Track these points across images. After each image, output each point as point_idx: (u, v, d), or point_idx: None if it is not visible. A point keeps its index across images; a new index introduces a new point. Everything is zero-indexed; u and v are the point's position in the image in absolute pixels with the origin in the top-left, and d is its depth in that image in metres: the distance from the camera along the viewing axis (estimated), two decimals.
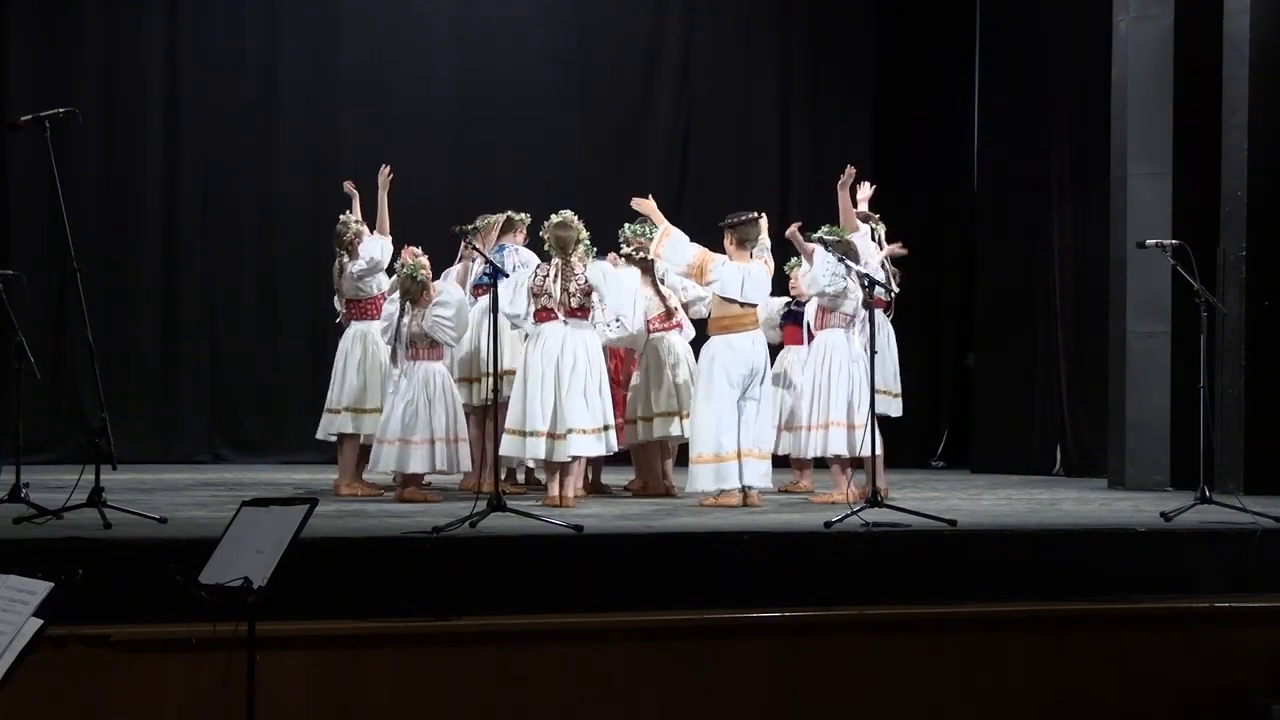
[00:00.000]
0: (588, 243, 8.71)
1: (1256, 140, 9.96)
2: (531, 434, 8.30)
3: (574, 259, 8.47)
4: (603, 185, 13.09)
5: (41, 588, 3.96)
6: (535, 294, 8.44)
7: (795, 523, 7.59)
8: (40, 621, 3.88)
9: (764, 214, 9.07)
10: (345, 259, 9.46)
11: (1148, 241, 9.01)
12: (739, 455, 8.47)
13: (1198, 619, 6.98)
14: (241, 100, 13.02)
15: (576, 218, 8.61)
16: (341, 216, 9.60)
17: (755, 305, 8.74)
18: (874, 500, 7.47)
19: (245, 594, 4.72)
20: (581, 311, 8.44)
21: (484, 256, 7.79)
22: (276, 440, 12.66)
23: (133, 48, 12.82)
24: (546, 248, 8.61)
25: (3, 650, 3.82)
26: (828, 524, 7.02)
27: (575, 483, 8.50)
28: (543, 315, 8.43)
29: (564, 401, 8.27)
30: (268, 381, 12.83)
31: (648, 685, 6.27)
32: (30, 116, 7.04)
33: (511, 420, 8.35)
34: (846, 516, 7.16)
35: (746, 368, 8.53)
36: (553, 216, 8.64)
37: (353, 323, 9.43)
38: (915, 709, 6.58)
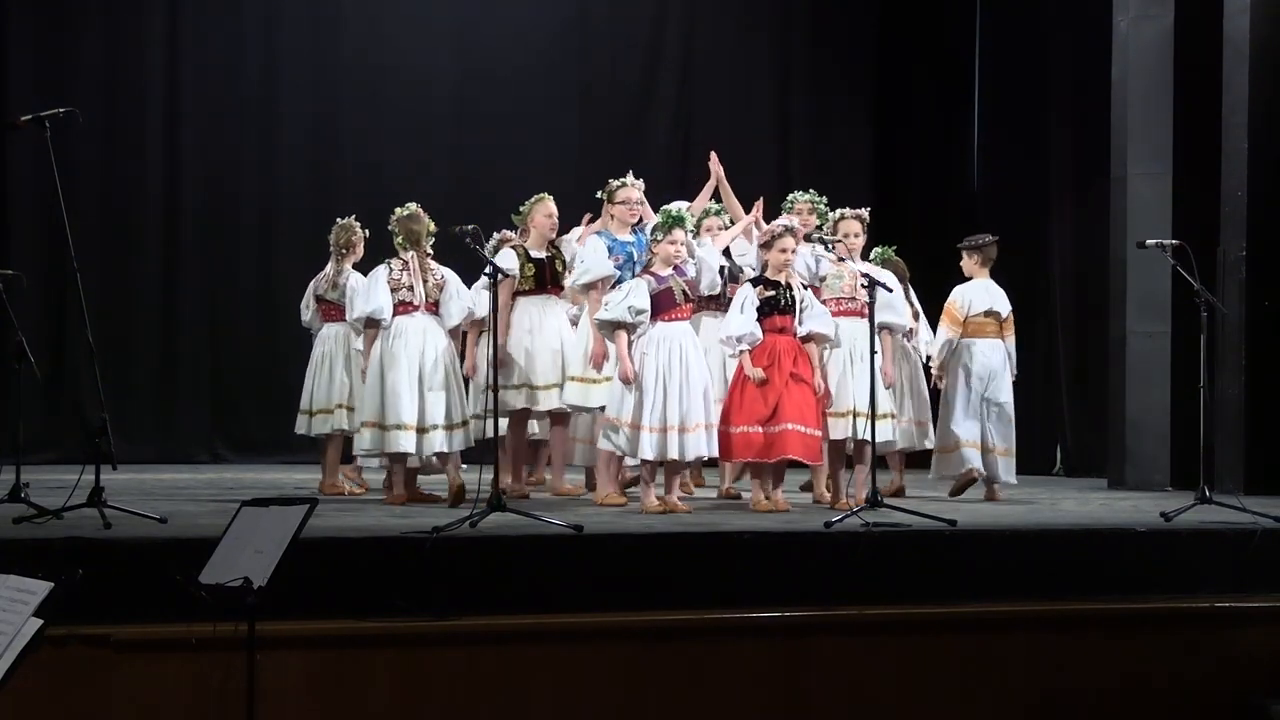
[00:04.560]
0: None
1: (1256, 140, 9.95)
2: (397, 427, 8.21)
3: (429, 252, 8.45)
4: (602, 185, 13.07)
5: (41, 588, 3.96)
6: (393, 288, 8.33)
7: (795, 523, 7.58)
8: (40, 621, 3.88)
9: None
10: (338, 262, 9.44)
11: (1148, 241, 9.01)
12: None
13: (1198, 619, 6.98)
14: (241, 99, 13.02)
15: (423, 210, 8.55)
16: (343, 220, 9.58)
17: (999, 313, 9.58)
18: (874, 500, 7.47)
19: (245, 594, 4.72)
20: (436, 306, 8.38)
21: (484, 257, 7.77)
22: (276, 440, 12.64)
23: (133, 48, 12.82)
24: (397, 242, 8.50)
25: (3, 650, 3.82)
26: (828, 524, 7.02)
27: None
28: (402, 309, 8.34)
29: (429, 396, 8.24)
30: (268, 382, 12.81)
31: (648, 685, 6.27)
32: (30, 116, 7.03)
33: (370, 413, 8.28)
34: (846, 516, 7.16)
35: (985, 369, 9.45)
36: (398, 210, 8.59)
37: (327, 324, 9.43)
38: (915, 709, 6.58)
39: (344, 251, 9.43)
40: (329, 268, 9.49)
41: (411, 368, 8.24)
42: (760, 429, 8.06)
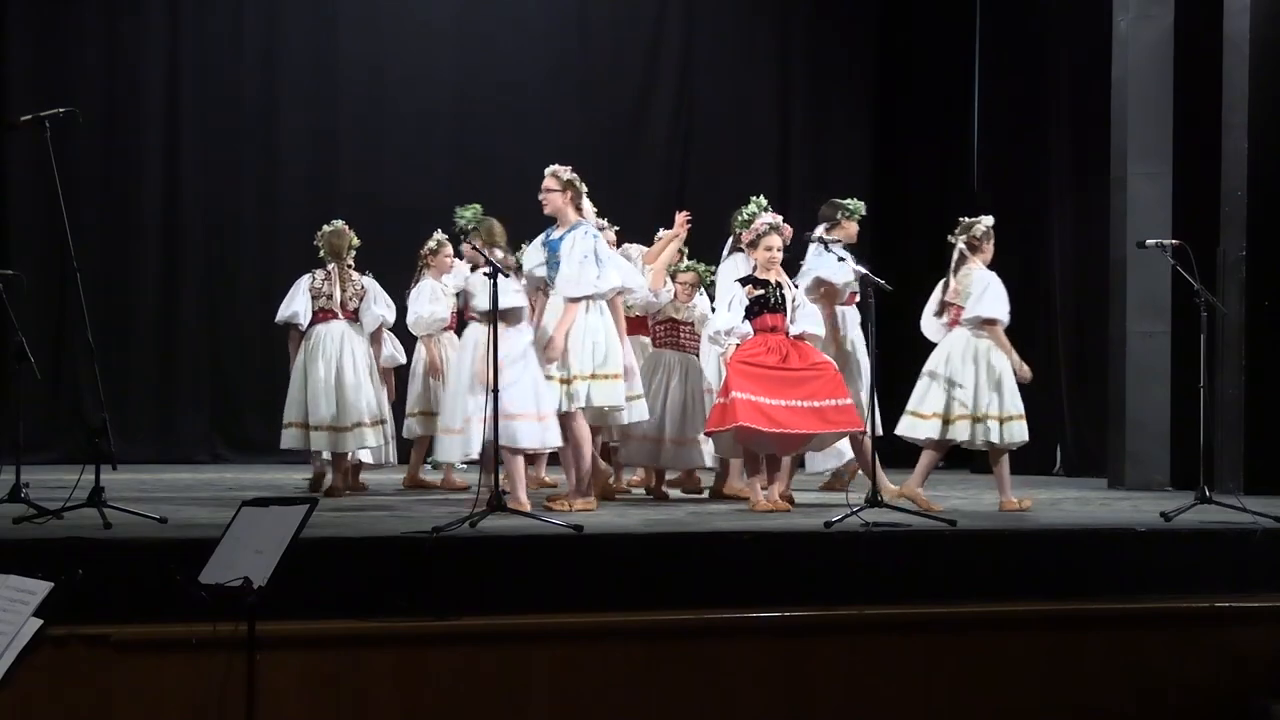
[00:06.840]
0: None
1: (1256, 140, 9.95)
2: (315, 428, 8.96)
3: (349, 264, 9.11)
4: (603, 185, 13.07)
5: (41, 588, 3.96)
6: (314, 296, 9.08)
7: (795, 523, 7.59)
8: (40, 621, 3.89)
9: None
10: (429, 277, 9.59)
11: (1148, 241, 9.01)
12: None
13: (1198, 619, 6.98)
14: (241, 100, 13.01)
15: (348, 226, 9.19)
16: (433, 239, 9.67)
17: None
18: (874, 500, 7.47)
19: (245, 594, 4.72)
20: (355, 314, 9.09)
21: (485, 257, 7.75)
22: (277, 440, 12.62)
23: (133, 48, 12.81)
24: (321, 254, 9.18)
25: (3, 650, 3.83)
26: (828, 524, 7.02)
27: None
28: (322, 316, 9.06)
29: (348, 396, 8.93)
30: (268, 382, 12.79)
31: (648, 685, 6.27)
32: (30, 116, 7.04)
33: (294, 414, 9.03)
34: (846, 516, 7.17)
35: None
36: (325, 226, 9.24)
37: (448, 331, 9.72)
38: (915, 709, 6.59)
39: (429, 264, 9.64)
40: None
41: (329, 370, 8.97)
42: (800, 403, 8.02)
